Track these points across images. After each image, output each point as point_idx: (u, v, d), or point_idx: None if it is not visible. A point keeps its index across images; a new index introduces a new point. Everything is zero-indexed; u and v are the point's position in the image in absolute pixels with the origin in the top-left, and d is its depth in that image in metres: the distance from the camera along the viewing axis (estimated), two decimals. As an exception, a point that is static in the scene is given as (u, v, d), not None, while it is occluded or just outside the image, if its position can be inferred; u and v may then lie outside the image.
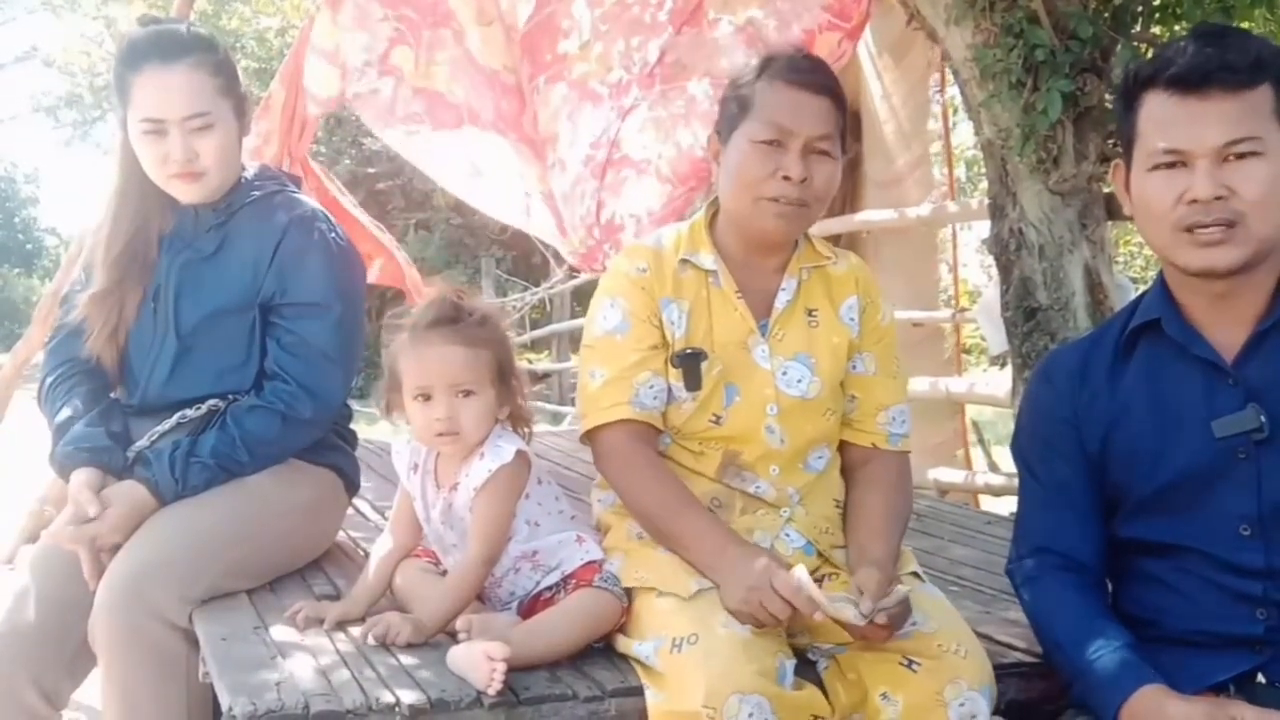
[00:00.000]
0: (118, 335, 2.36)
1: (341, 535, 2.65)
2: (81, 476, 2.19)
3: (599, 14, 4.18)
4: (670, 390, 2.01)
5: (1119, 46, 3.28)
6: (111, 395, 2.40)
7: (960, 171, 12.18)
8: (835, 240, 5.28)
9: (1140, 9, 3.44)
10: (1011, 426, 2.09)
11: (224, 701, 1.70)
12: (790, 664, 1.77)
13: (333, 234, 2.39)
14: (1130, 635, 1.73)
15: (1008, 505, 4.51)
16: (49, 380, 2.40)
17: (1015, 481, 2.01)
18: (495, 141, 4.48)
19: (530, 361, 13.13)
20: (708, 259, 2.05)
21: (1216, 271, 1.71)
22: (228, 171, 2.35)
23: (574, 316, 11.86)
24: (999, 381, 5.18)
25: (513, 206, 4.83)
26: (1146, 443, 1.79)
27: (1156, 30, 3.56)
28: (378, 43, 4.38)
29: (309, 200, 2.46)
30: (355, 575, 2.20)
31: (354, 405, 2.59)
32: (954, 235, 5.67)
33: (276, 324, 2.33)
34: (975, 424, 5.93)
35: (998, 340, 4.03)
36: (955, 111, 6.50)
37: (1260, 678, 1.70)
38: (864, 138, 5.65)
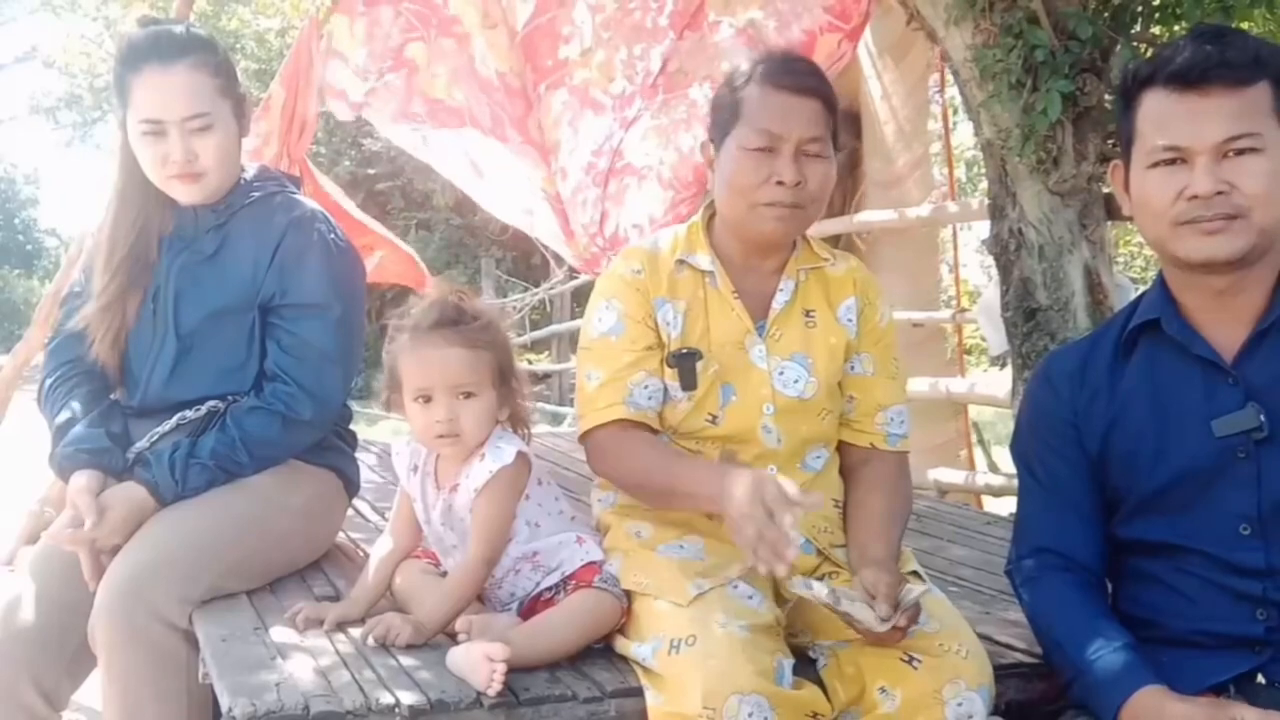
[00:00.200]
0: (119, 338, 2.36)
1: (341, 536, 2.65)
2: (81, 479, 2.19)
3: (600, 20, 4.18)
4: (666, 390, 2.02)
5: (1119, 47, 3.28)
6: (111, 397, 2.40)
7: (960, 172, 12.19)
8: (835, 241, 5.29)
9: (1140, 9, 3.44)
10: (1011, 427, 2.09)
11: (224, 702, 1.70)
12: (789, 664, 1.77)
13: (332, 235, 2.39)
14: (1130, 635, 1.73)
15: (1008, 506, 4.51)
16: (49, 382, 2.40)
17: (1015, 482, 2.01)
18: (495, 147, 4.49)
19: (530, 362, 13.13)
20: (704, 260, 2.05)
21: (1217, 261, 1.71)
22: (227, 172, 2.35)
23: (574, 317, 11.86)
24: (999, 382, 5.18)
25: (515, 209, 4.84)
26: (1146, 443, 1.80)
27: (1156, 30, 3.56)
28: (391, 40, 4.38)
29: (308, 201, 2.46)
30: (355, 576, 2.20)
31: (354, 406, 2.59)
32: (954, 235, 5.66)
33: (276, 325, 2.33)
34: (975, 424, 5.93)
35: (998, 341, 4.03)
36: (955, 112, 6.51)
37: (1260, 678, 1.70)
38: (864, 138, 5.66)
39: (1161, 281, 1.84)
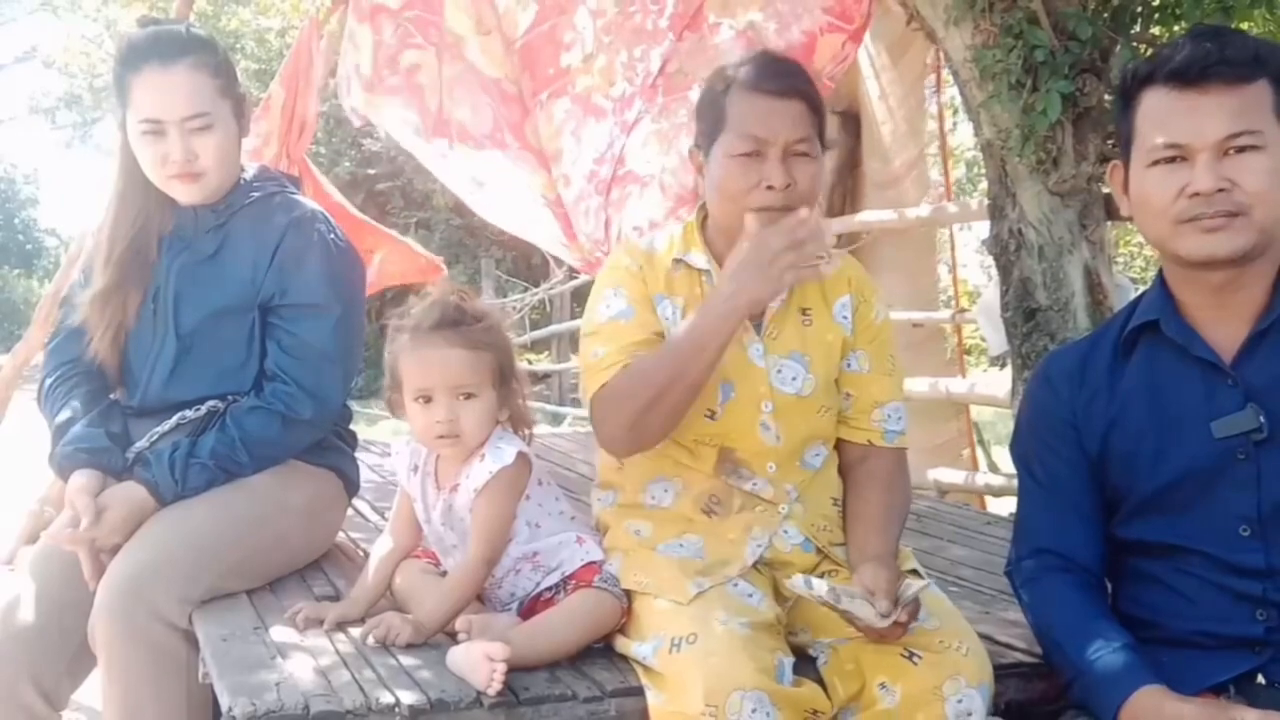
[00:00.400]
0: (119, 338, 2.36)
1: (341, 536, 2.65)
2: (80, 479, 2.19)
3: (601, 24, 4.18)
4: None
5: (1118, 47, 3.28)
6: (111, 396, 2.40)
7: (960, 172, 12.19)
8: (835, 241, 5.29)
9: (1140, 9, 3.44)
10: (1011, 427, 2.09)
11: (224, 702, 1.71)
12: (789, 662, 1.78)
13: (332, 235, 2.39)
14: (1129, 636, 1.73)
15: (1007, 506, 4.51)
16: (49, 381, 2.40)
17: (1015, 482, 2.01)
18: (494, 156, 4.48)
19: (530, 362, 13.13)
20: (700, 259, 2.06)
21: (1218, 259, 1.71)
22: (227, 172, 2.35)
23: (574, 317, 11.86)
24: (999, 382, 5.18)
25: (515, 217, 4.84)
26: (1146, 443, 1.80)
27: (1156, 31, 3.56)
28: (390, 49, 4.39)
29: (308, 201, 2.46)
30: (355, 576, 2.20)
31: (354, 406, 2.59)
32: (951, 236, 5.67)
33: (276, 325, 2.33)
34: (975, 425, 5.93)
35: (997, 341, 4.02)
36: (955, 112, 6.51)
37: (1260, 678, 1.70)
38: (863, 138, 5.66)
39: (1161, 281, 1.83)
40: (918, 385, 5.17)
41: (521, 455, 1.98)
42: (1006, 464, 3.32)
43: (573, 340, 12.46)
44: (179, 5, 4.87)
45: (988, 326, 4.48)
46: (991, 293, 4.16)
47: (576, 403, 12.03)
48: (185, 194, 2.33)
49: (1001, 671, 1.87)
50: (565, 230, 4.56)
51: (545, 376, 12.67)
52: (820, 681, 1.84)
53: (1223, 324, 1.77)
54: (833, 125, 5.56)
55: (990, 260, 3.86)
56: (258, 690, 1.69)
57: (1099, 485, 1.86)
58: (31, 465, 2.97)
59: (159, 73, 2.24)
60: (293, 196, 2.44)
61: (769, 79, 1.98)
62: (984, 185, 4.33)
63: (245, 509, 2.24)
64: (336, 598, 2.18)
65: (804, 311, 2.08)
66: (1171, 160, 1.71)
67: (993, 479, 5.09)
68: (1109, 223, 3.49)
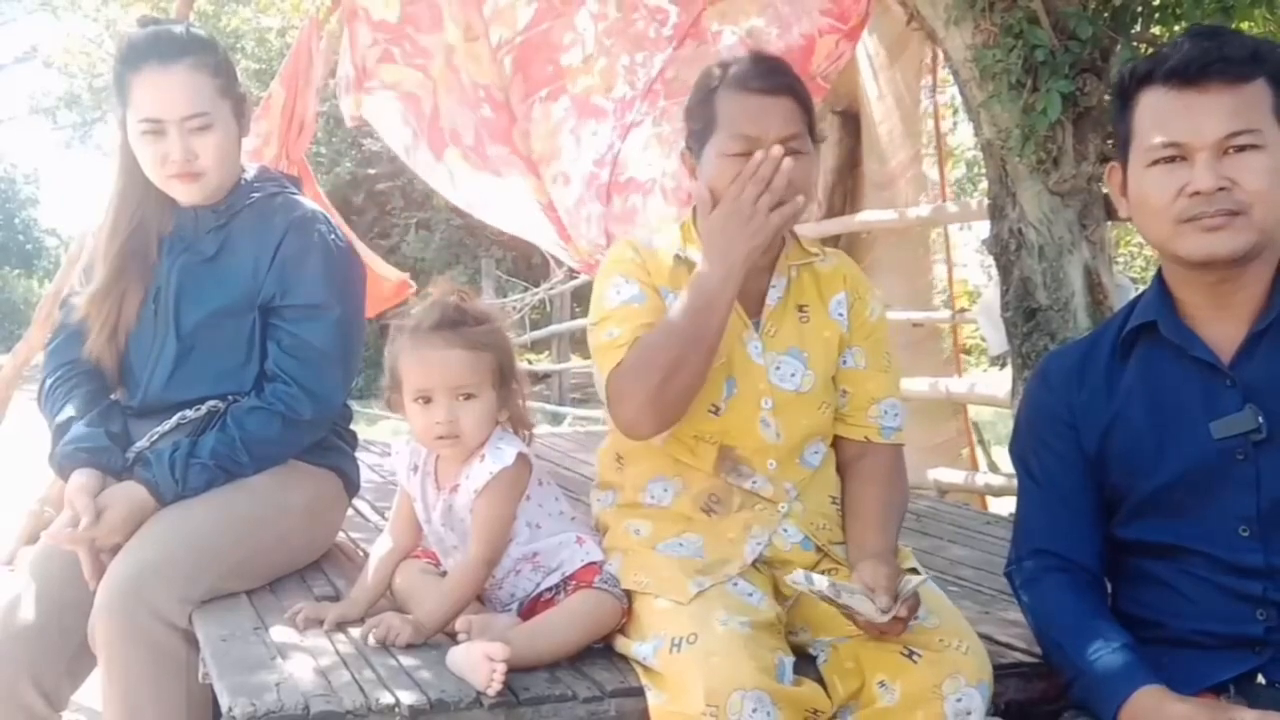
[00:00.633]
0: (117, 336, 2.36)
1: (341, 536, 2.65)
2: (80, 478, 2.19)
3: (603, 28, 4.17)
4: None
5: (1119, 47, 3.28)
6: (111, 396, 2.40)
7: (960, 171, 12.19)
8: (835, 241, 5.30)
9: (1140, 9, 3.44)
10: (1011, 427, 2.09)
11: (224, 702, 1.71)
12: (789, 661, 1.78)
13: (332, 235, 2.39)
14: (1129, 636, 1.73)
15: (1007, 506, 4.51)
16: (49, 382, 2.40)
17: (1015, 482, 2.01)
18: (479, 164, 4.49)
19: (530, 362, 13.15)
20: (698, 255, 2.06)
21: (1218, 259, 1.71)
22: (227, 172, 2.35)
23: (574, 317, 11.86)
24: (999, 382, 5.18)
25: (511, 217, 4.84)
26: (1145, 444, 1.80)
27: (1156, 30, 3.56)
28: (368, 61, 4.40)
29: (308, 202, 2.46)
30: (355, 576, 2.20)
31: (354, 406, 2.59)
32: (947, 235, 5.67)
33: (277, 326, 2.33)
34: (975, 424, 5.92)
35: (998, 341, 4.03)
36: (955, 112, 6.50)
37: (1260, 678, 1.70)
38: (862, 138, 5.66)
39: (1159, 281, 1.83)
40: (917, 385, 5.17)
41: (522, 456, 1.98)
42: (1006, 464, 3.32)
43: (573, 340, 12.47)
44: (179, 5, 4.87)
45: (988, 326, 4.48)
46: (992, 292, 4.16)
47: (576, 403, 12.04)
48: (185, 194, 2.33)
49: (1001, 671, 1.87)
50: (560, 233, 4.57)
51: (545, 376, 12.67)
52: (820, 680, 1.84)
53: (1221, 324, 1.77)
54: (832, 125, 5.59)
55: (990, 260, 3.86)
56: (258, 690, 1.69)
57: (1098, 485, 1.86)
58: (31, 465, 2.97)
59: (159, 72, 2.25)
60: (293, 197, 2.44)
61: (757, 77, 1.99)
62: (984, 185, 4.33)
63: (245, 509, 2.24)
64: (336, 598, 2.18)
65: (801, 308, 2.09)
66: (1171, 160, 1.71)
67: (993, 479, 5.09)
68: (1109, 222, 3.49)
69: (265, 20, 15.73)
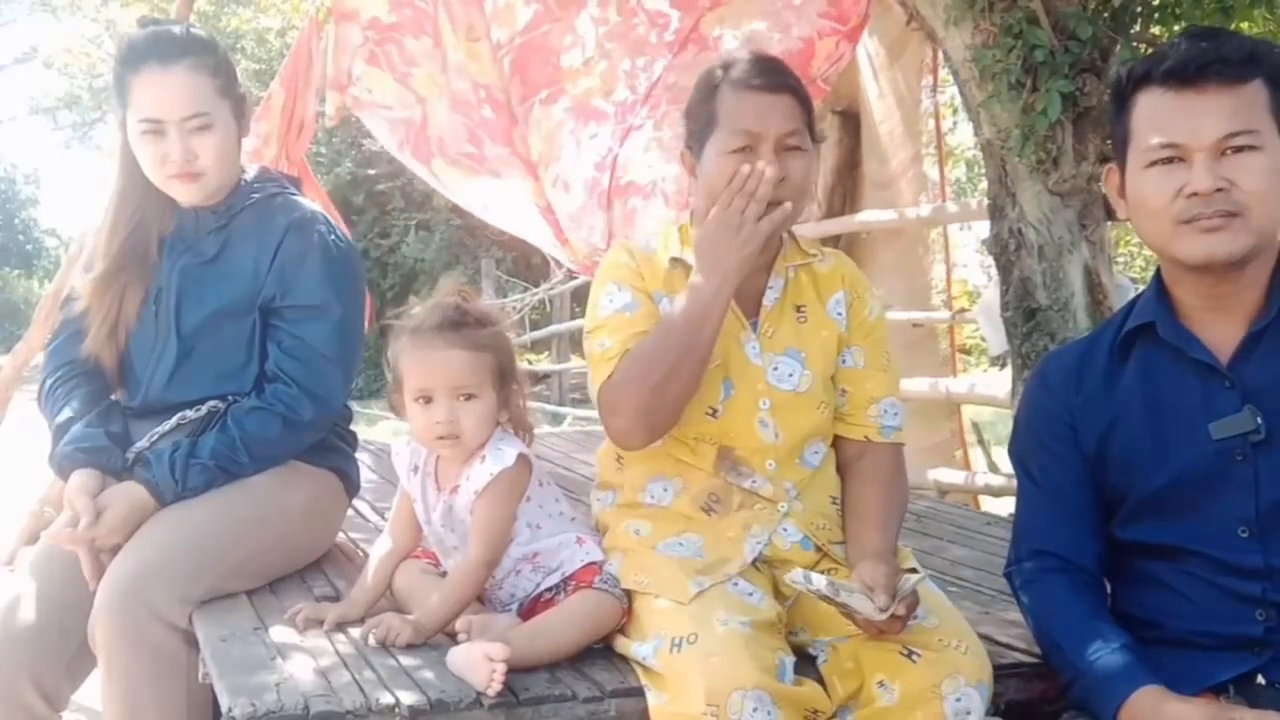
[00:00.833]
0: (117, 333, 2.36)
1: (341, 536, 2.65)
2: (79, 478, 2.19)
3: (604, 31, 4.17)
4: None
5: (1118, 47, 3.28)
6: (112, 397, 2.40)
7: (960, 172, 12.19)
8: (835, 241, 5.30)
9: (1139, 9, 3.44)
10: (1011, 427, 2.09)
11: (224, 702, 1.71)
12: (790, 661, 1.78)
13: (332, 236, 2.39)
14: (1128, 636, 1.74)
15: (1007, 506, 4.51)
16: (49, 382, 2.40)
17: (1015, 482, 2.01)
18: (480, 163, 4.48)
19: (530, 362, 13.14)
20: (694, 258, 2.06)
21: (1216, 261, 1.70)
22: (227, 172, 2.35)
23: (574, 317, 11.86)
24: (999, 382, 5.18)
25: (510, 217, 4.84)
26: (1144, 445, 1.80)
27: (1156, 30, 3.56)
28: (355, 66, 4.40)
29: (308, 202, 2.46)
30: (355, 576, 2.20)
31: (354, 406, 2.59)
32: (945, 235, 5.67)
33: (277, 326, 2.33)
34: (975, 425, 5.92)
35: (998, 341, 4.03)
36: (955, 112, 6.51)
37: (1260, 679, 1.70)
38: (862, 138, 5.66)
39: (1158, 282, 1.83)
40: (917, 385, 5.17)
41: (522, 457, 1.98)
42: (1007, 464, 3.33)
43: (573, 340, 12.46)
44: (179, 5, 4.86)
45: (988, 326, 4.48)
46: (991, 293, 4.16)
47: (576, 403, 12.04)
48: (185, 194, 2.33)
49: (1001, 672, 1.87)
50: (557, 234, 4.57)
51: (545, 377, 12.67)
52: (820, 680, 1.84)
53: (1219, 325, 1.77)
54: (832, 125, 5.59)
55: (990, 260, 3.86)
56: (258, 691, 1.69)
57: (1097, 486, 1.86)
58: (31, 465, 2.97)
59: (159, 73, 2.25)
60: (293, 198, 2.44)
61: (757, 75, 2.01)
62: (984, 185, 4.33)
63: (245, 509, 2.24)
64: (336, 598, 2.18)
65: (799, 309, 2.10)
66: (1169, 161, 1.71)
67: (993, 479, 5.09)
68: (1109, 222, 3.49)
69: (265, 21, 15.74)
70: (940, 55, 4.56)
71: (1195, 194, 1.68)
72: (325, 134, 14.19)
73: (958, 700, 1.75)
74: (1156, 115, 1.72)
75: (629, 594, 1.92)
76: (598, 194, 4.35)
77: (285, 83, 4.63)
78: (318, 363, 2.32)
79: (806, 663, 1.86)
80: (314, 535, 2.44)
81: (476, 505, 1.96)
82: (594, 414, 2.08)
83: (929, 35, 3.69)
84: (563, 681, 1.79)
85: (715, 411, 2.03)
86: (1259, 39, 1.78)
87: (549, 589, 1.98)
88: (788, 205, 1.95)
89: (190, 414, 2.32)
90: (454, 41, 4.17)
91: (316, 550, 2.47)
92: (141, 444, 2.30)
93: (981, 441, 5.74)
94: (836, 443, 2.12)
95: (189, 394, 2.33)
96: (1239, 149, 1.67)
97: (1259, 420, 1.71)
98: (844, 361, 2.11)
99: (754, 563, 1.97)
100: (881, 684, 1.78)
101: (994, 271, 3.78)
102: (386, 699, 1.68)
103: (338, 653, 1.88)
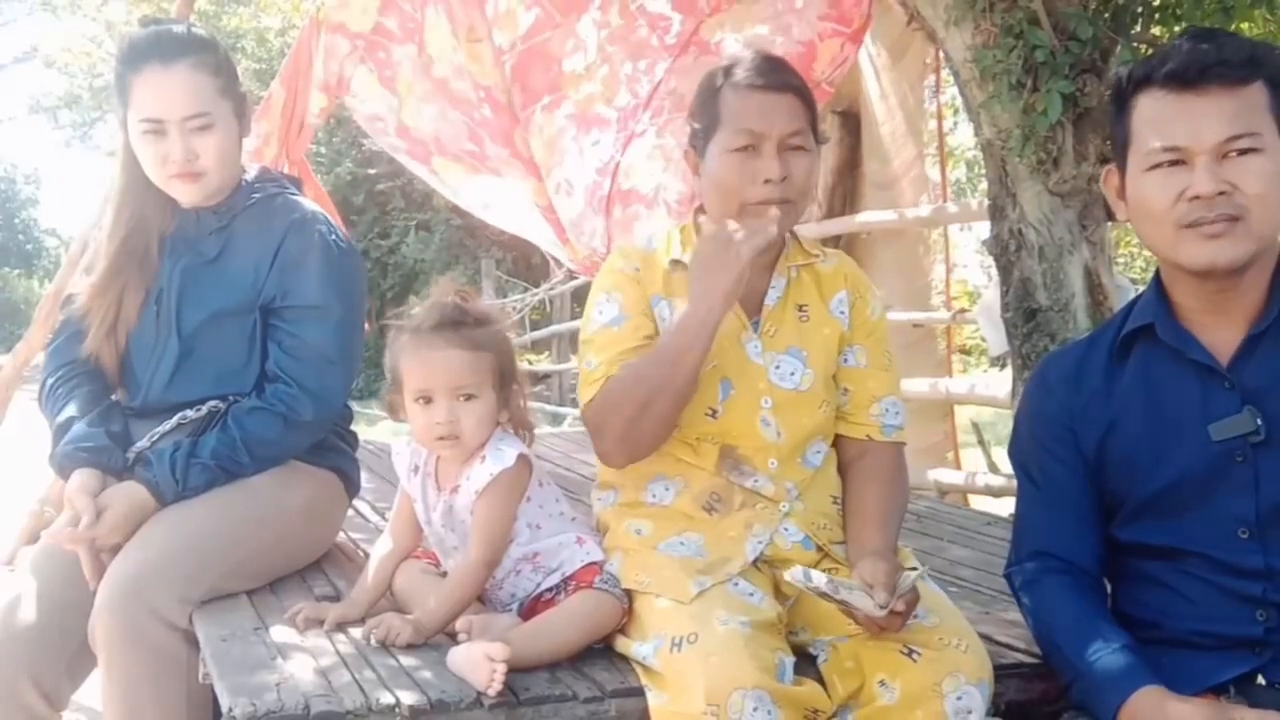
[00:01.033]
0: (117, 333, 2.36)
1: (342, 536, 2.65)
2: (80, 478, 2.19)
3: (605, 35, 4.17)
4: None
5: (1119, 47, 3.28)
6: (112, 397, 2.40)
7: (961, 172, 12.19)
8: (835, 241, 5.30)
9: (1140, 10, 3.44)
10: (1011, 428, 2.09)
11: (224, 702, 1.71)
12: (790, 661, 1.78)
13: (333, 236, 2.39)
14: (1129, 636, 1.73)
15: (1008, 507, 4.51)
16: (50, 382, 2.40)
17: (1015, 483, 2.01)
18: (481, 162, 4.48)
19: (530, 362, 13.13)
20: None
21: (1218, 267, 1.70)
22: (227, 172, 2.35)
23: (574, 317, 11.85)
24: (999, 383, 5.18)
25: (510, 216, 4.84)
26: (1144, 447, 1.79)
27: (1156, 31, 3.56)
28: (345, 70, 4.41)
29: (309, 203, 2.46)
30: (355, 576, 2.20)
31: (354, 406, 2.59)
32: (946, 235, 5.68)
33: (277, 327, 2.33)
34: (975, 425, 5.92)
35: (998, 341, 4.03)
36: (955, 112, 6.51)
37: (1260, 679, 1.70)
38: (863, 139, 5.66)
39: (1157, 283, 1.83)
40: (917, 385, 5.17)
41: (522, 457, 1.98)
42: (1007, 465, 3.33)
43: (573, 341, 12.45)
44: (180, 5, 4.86)
45: (988, 327, 4.48)
46: (992, 293, 4.16)
47: (576, 403, 12.03)
48: (186, 194, 2.33)
49: (1001, 672, 1.87)
50: (558, 234, 4.57)
51: (545, 377, 12.67)
52: (820, 680, 1.84)
53: (1219, 327, 1.77)
54: (834, 125, 5.59)
55: (991, 260, 3.86)
56: (258, 691, 1.69)
57: (1096, 487, 1.86)
58: (32, 465, 2.97)
59: (160, 72, 2.25)
60: (294, 198, 2.44)
61: (761, 75, 2.02)
62: (984, 186, 4.33)
63: (246, 509, 2.24)
64: (337, 598, 2.18)
65: (800, 308, 2.10)
66: (1170, 164, 1.70)
67: (992, 479, 5.09)
68: (1109, 223, 3.49)
69: (266, 20, 15.75)
70: (941, 56, 4.56)
71: (1197, 197, 1.68)
72: (325, 134, 14.20)
73: (958, 699, 1.75)
74: (1158, 118, 1.72)
75: (629, 594, 1.92)
76: (598, 198, 4.35)
77: (286, 82, 4.62)
78: (318, 363, 2.32)
79: (807, 662, 1.86)
80: (314, 535, 2.44)
81: (477, 505, 1.96)
82: (594, 414, 2.08)
83: (930, 36, 3.69)
84: (563, 681, 1.79)
85: (715, 412, 2.03)
86: (1260, 40, 1.78)
87: (549, 589, 1.98)
88: (771, 229, 1.94)
89: (191, 414, 2.32)
90: (454, 43, 4.17)
91: (317, 550, 2.47)
92: (142, 444, 2.30)
93: (982, 442, 5.75)
94: (838, 442, 2.13)
95: (189, 394, 2.33)
96: (1241, 152, 1.67)
97: (1259, 421, 1.70)
98: (846, 361, 2.11)
99: (755, 562, 1.97)
100: (882, 683, 1.78)
101: (994, 272, 3.78)
102: (387, 699, 1.68)
103: (338, 653, 1.88)
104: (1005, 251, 3.49)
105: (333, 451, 2.47)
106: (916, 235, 5.59)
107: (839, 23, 3.85)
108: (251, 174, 2.45)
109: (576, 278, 9.54)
